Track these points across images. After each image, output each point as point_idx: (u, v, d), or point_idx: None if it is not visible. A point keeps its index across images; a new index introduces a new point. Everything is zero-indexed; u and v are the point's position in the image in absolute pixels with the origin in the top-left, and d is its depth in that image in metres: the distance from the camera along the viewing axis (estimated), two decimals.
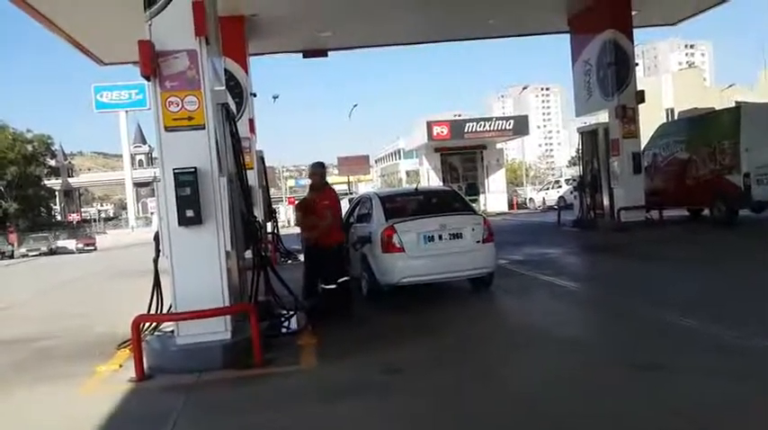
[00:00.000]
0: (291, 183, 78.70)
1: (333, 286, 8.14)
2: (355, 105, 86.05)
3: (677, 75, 67.39)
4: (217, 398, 5.31)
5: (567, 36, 19.51)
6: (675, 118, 23.35)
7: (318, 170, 8.66)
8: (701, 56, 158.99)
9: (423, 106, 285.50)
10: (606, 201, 17.61)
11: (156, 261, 7.06)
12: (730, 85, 56.34)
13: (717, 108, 18.78)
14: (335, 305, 8.13)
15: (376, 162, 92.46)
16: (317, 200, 8.44)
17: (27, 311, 11.77)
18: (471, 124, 33.51)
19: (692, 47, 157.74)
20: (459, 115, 72.94)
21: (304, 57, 19.77)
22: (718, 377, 4.78)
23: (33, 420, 5.22)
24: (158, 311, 7.08)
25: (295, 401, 5.10)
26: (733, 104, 18.79)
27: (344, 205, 16.48)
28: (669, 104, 49.17)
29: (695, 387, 4.65)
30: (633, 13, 17.12)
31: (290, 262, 14.77)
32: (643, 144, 17.85)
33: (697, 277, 9.25)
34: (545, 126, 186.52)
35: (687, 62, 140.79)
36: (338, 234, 8.47)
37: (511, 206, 35.91)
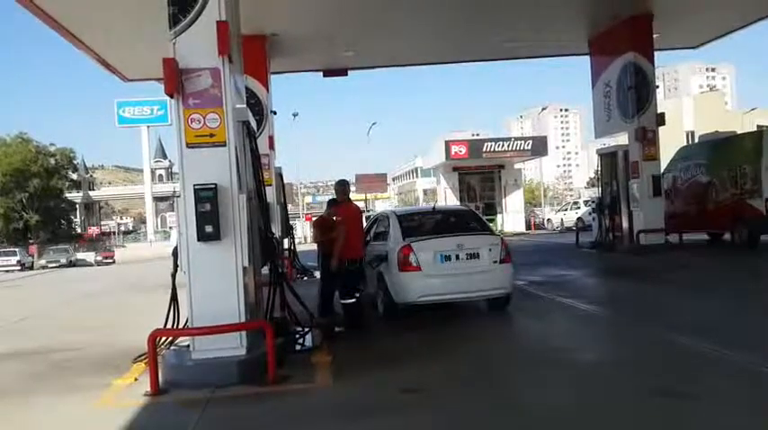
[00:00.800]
0: (309, 199, 79.10)
1: (352, 300, 8.25)
2: (374, 123, 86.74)
3: (698, 98, 66.78)
4: (232, 415, 5.30)
5: (588, 57, 19.50)
6: (696, 141, 23.17)
7: (339, 188, 9.05)
8: (722, 79, 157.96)
9: (441, 125, 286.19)
10: (625, 224, 17.45)
11: (173, 275, 7.13)
12: (752, 109, 55.69)
13: (738, 131, 18.62)
14: (353, 320, 8.25)
15: (393, 180, 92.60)
16: (340, 212, 8.57)
17: (45, 323, 11.88)
18: (489, 144, 33.52)
19: (713, 70, 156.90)
20: (478, 135, 72.83)
21: (324, 76, 19.96)
22: (740, 405, 4.69)
23: None
24: (175, 326, 7.12)
25: (310, 419, 5.07)
26: (755, 128, 18.62)
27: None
28: (690, 127, 48.66)
29: (717, 414, 4.55)
30: (654, 35, 17.09)
31: (305, 278, 14.80)
32: (663, 167, 17.72)
33: (718, 302, 9.10)
34: (564, 147, 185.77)
35: (708, 85, 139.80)
36: (356, 249, 8.50)
37: (528, 227, 35.75)
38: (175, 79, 6.15)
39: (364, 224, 10.07)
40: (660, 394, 5.03)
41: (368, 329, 8.35)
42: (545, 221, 39.14)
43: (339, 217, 8.51)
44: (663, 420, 4.51)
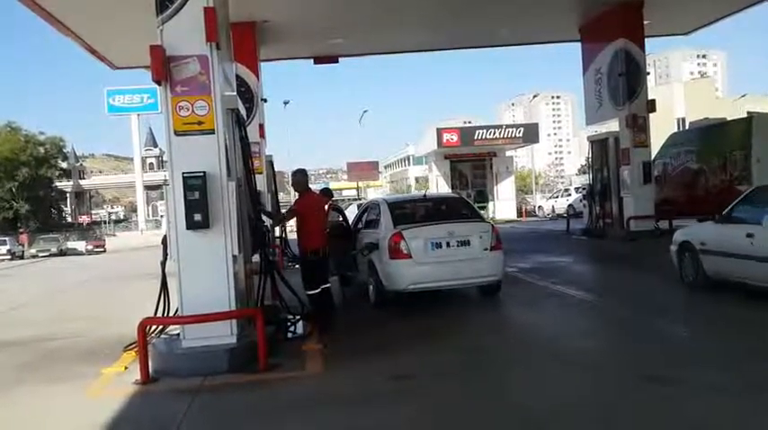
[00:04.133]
0: None
1: (316, 291, 7.86)
2: (365, 111, 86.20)
3: (689, 84, 66.97)
4: (222, 403, 5.31)
5: (579, 44, 19.48)
6: (686, 128, 23.24)
7: (296, 179, 8.54)
8: (713, 66, 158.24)
9: (433, 113, 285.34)
10: (615, 210, 17.52)
11: (163, 264, 7.11)
12: (742, 95, 55.97)
13: (728, 118, 18.68)
14: (319, 308, 7.84)
15: (385, 168, 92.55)
16: (297, 204, 8.36)
17: (35, 312, 11.84)
18: (481, 131, 33.42)
19: (704, 57, 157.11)
20: (470, 122, 72.79)
21: (315, 63, 19.84)
22: (731, 394, 4.71)
23: (38, 422, 5.24)
24: (165, 314, 7.10)
25: (300, 407, 5.08)
26: (745, 114, 18.68)
27: (353, 210, 16.61)
28: (680, 114, 48.83)
29: (710, 403, 4.58)
30: (645, 22, 17.07)
31: (296, 266, 14.78)
32: (653, 153, 17.75)
33: (707, 290, 9.15)
34: (555, 134, 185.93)
35: (699, 72, 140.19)
36: (314, 240, 8.03)
37: (520, 214, 35.79)
38: (162, 66, 6.10)
39: (354, 214, 9.96)
40: (653, 382, 5.03)
41: (332, 327, 7.69)
42: (536, 208, 39.20)
43: (295, 208, 8.26)
44: (656, 407, 4.54)
